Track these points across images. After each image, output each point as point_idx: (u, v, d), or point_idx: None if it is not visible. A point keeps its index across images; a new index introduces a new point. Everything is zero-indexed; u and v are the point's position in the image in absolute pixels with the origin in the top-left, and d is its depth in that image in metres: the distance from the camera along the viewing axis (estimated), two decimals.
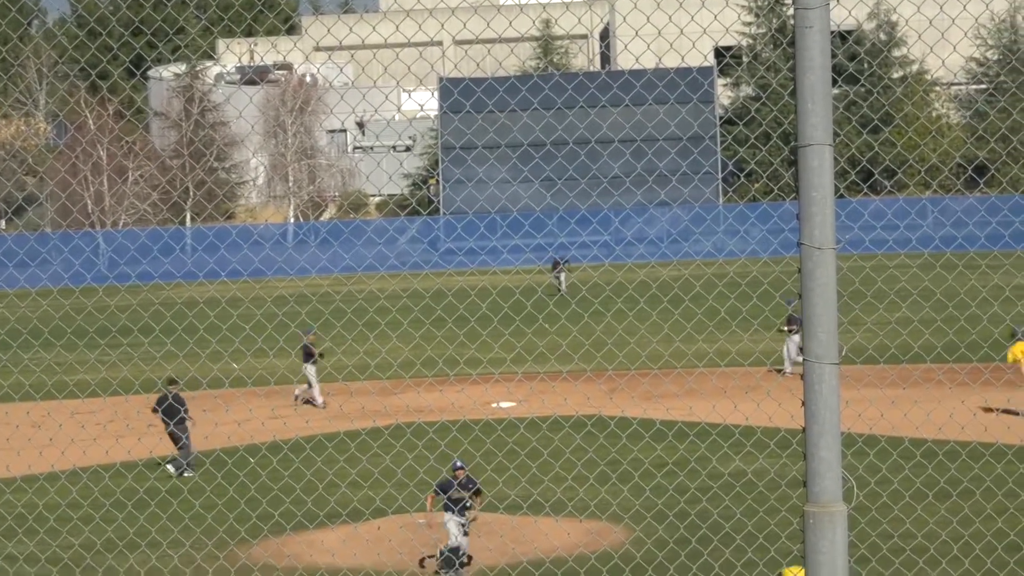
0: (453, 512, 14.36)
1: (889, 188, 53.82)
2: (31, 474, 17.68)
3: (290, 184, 62.04)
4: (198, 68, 63.92)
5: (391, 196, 64.45)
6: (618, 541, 15.36)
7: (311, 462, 18.18)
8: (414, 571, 14.47)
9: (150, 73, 65.86)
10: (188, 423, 19.48)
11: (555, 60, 70.84)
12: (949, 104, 62.15)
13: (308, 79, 62.30)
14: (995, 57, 63.78)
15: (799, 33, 4.49)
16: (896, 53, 62.36)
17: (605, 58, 73.88)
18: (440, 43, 66.39)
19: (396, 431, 20.40)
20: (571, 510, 16.26)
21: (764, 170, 56.08)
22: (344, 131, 66.39)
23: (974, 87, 62.65)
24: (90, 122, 50.97)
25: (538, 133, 53.81)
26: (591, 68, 72.97)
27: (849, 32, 57.99)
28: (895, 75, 62.75)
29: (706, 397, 21.99)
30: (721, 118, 61.05)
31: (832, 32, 4.59)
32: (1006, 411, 20.80)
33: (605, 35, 72.81)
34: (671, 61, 52.63)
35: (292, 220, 60.41)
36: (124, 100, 53.08)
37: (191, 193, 56.67)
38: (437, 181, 62.62)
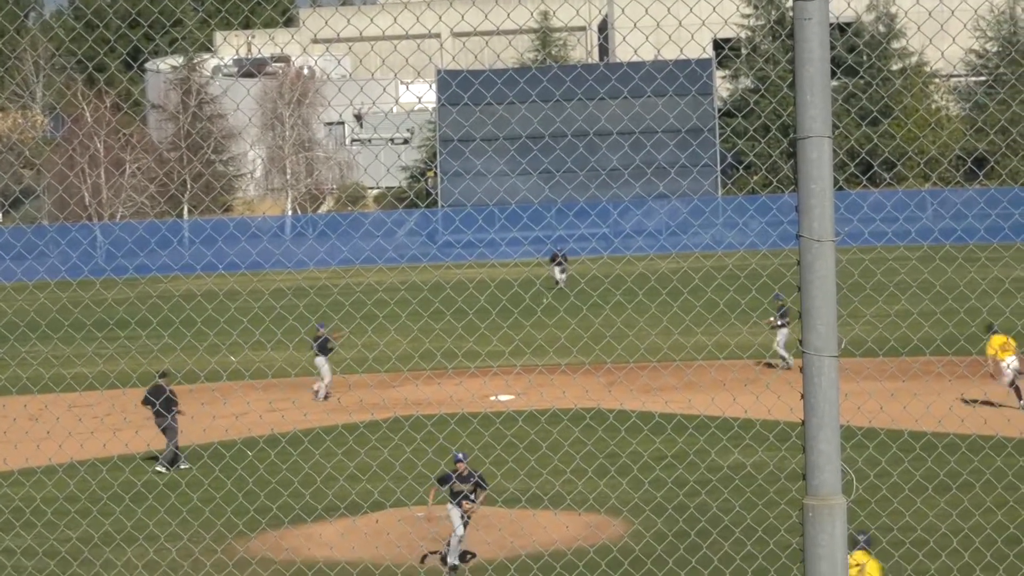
0: (455, 505, 14.31)
1: (888, 180, 53.77)
2: (28, 467, 17.64)
3: (288, 177, 61.95)
4: (195, 60, 63.78)
5: (389, 189, 64.37)
6: (617, 534, 15.34)
7: (309, 455, 18.15)
8: (413, 564, 14.43)
9: (147, 65, 65.73)
10: (173, 416, 19.36)
11: (553, 52, 70.72)
12: (948, 96, 62.07)
13: (305, 71, 62.16)
14: (994, 49, 63.68)
15: (798, 25, 4.47)
16: (895, 45, 62.26)
17: (603, 50, 73.76)
18: (438, 35, 66.27)
19: (394, 424, 20.37)
20: (570, 503, 16.23)
21: (763, 162, 56.02)
22: (342, 123, 66.27)
23: (973, 79, 62.56)
24: (87, 114, 50.85)
25: (536, 125, 53.71)
26: (589, 60, 72.85)
27: (848, 24, 57.90)
28: (894, 67, 62.66)
29: (705, 390, 21.95)
30: (720, 110, 60.96)
31: (831, 24, 4.57)
32: (985, 403, 20.93)
33: (603, 27, 72.68)
34: (669, 53, 52.54)
35: (290, 213, 60.32)
36: (121, 92, 52.93)
37: (188, 186, 56.57)
38: (435, 173, 62.53)
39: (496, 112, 54.38)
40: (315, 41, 65.92)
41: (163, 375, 19.91)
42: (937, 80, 61.50)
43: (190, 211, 57.45)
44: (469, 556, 14.55)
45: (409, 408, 22.60)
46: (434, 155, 63.16)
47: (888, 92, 57.45)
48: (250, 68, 62.48)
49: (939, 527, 13.71)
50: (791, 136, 4.76)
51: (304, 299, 27.33)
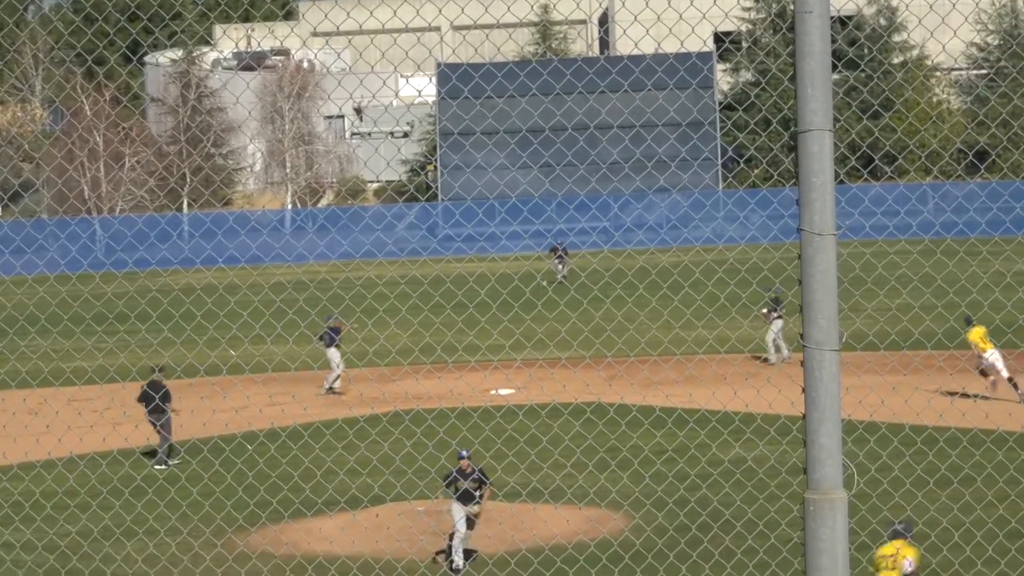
0: (458, 502, 14.21)
1: (889, 174, 53.71)
2: (28, 461, 17.61)
3: (287, 170, 61.88)
4: (195, 54, 63.68)
5: (389, 182, 64.29)
6: (617, 528, 15.31)
7: (309, 449, 18.12)
8: (413, 558, 14.40)
9: (147, 59, 65.63)
10: (168, 412, 19.31)
11: (553, 45, 70.61)
12: (950, 89, 61.98)
13: (305, 65, 62.06)
14: (996, 42, 63.59)
15: (799, 18, 4.47)
16: (896, 38, 62.15)
17: (604, 43, 73.65)
18: (438, 28, 66.20)
19: (394, 418, 20.33)
20: (570, 497, 16.20)
21: (764, 156, 55.96)
22: (342, 117, 66.18)
23: (975, 72, 62.46)
24: (86, 108, 50.80)
25: (537, 119, 53.64)
26: (590, 53, 72.76)
27: (849, 17, 57.78)
28: (895, 60, 62.55)
29: (706, 384, 21.93)
30: (720, 104, 60.88)
31: (832, 17, 4.57)
32: (963, 395, 21.04)
33: (604, 20, 72.57)
34: (670, 46, 52.42)
35: (289, 206, 60.26)
36: (121, 86, 52.88)
37: (188, 179, 56.50)
38: (435, 167, 62.46)
39: (496, 105, 54.28)
40: (315, 34, 65.84)
41: (160, 369, 19.85)
42: (938, 73, 61.40)
43: (189, 205, 57.41)
44: (473, 555, 14.46)
45: (409, 402, 22.56)
46: (434, 149, 63.09)
47: (889, 85, 57.37)
48: (249, 61, 62.40)
49: (940, 521, 13.68)
50: (792, 129, 4.75)
51: (304, 293, 27.27)
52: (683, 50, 54.63)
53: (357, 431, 18.28)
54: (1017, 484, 15.40)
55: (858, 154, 49.92)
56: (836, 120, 4.72)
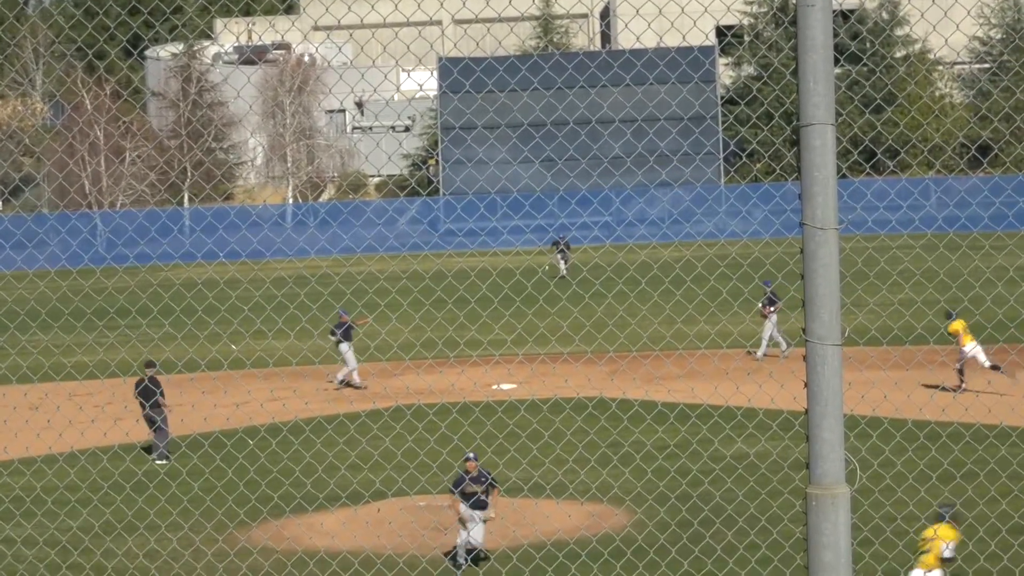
0: (467, 506, 14.05)
1: (892, 168, 53.64)
2: (29, 456, 17.59)
3: (288, 165, 61.80)
4: (196, 48, 63.60)
5: (390, 176, 64.22)
6: (620, 524, 15.28)
7: (310, 444, 18.10)
8: (415, 554, 14.37)
9: (147, 53, 65.56)
10: (164, 407, 19.25)
11: (555, 39, 70.51)
12: (952, 83, 61.86)
13: (306, 59, 61.97)
14: (998, 36, 63.45)
15: (801, 12, 4.48)
16: (899, 32, 62.03)
17: (606, 37, 73.54)
18: (439, 22, 66.07)
19: (396, 413, 20.31)
20: (572, 492, 16.17)
21: (766, 150, 55.86)
22: (343, 111, 66.10)
23: (977, 66, 62.35)
24: (87, 102, 50.71)
25: (538, 113, 53.57)
26: (591, 47, 72.64)
27: (851, 11, 57.69)
28: (898, 54, 62.45)
29: (708, 379, 21.87)
30: (723, 98, 60.79)
31: (834, 11, 4.57)
32: (944, 389, 21.17)
33: (605, 14, 72.46)
34: (672, 40, 52.35)
35: (291, 201, 60.20)
36: (121, 80, 52.81)
37: (189, 174, 56.44)
38: (436, 161, 62.39)
39: (498, 100, 54.21)
40: (316, 28, 65.73)
41: (149, 365, 19.77)
42: (941, 67, 61.28)
43: (191, 199, 57.34)
44: (482, 555, 14.31)
45: (411, 397, 22.53)
46: (435, 143, 63.02)
47: (892, 79, 57.25)
48: (251, 55, 62.30)
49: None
50: (794, 124, 4.73)
51: (305, 287, 27.27)
52: (685, 44, 54.56)
53: (359, 426, 18.25)
54: (1020, 479, 15.37)
55: (860, 148, 49.84)
56: (838, 114, 4.72)
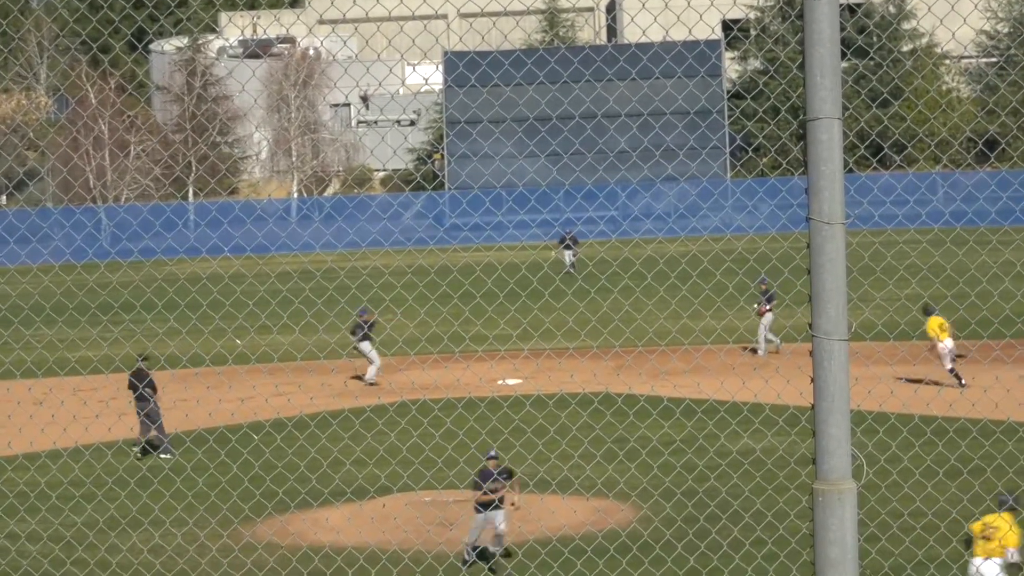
0: (485, 508, 13.90)
1: (899, 162, 53.49)
2: (33, 451, 17.57)
3: (293, 159, 61.77)
4: (200, 41, 63.55)
5: (395, 171, 64.16)
6: (625, 519, 15.23)
7: (315, 439, 18.06)
8: (420, 549, 14.33)
9: (152, 47, 65.53)
10: (155, 401, 19.18)
11: (561, 33, 70.39)
12: (959, 77, 61.65)
13: (311, 52, 61.90)
14: (1006, 30, 63.25)
15: (808, 5, 4.45)
16: (906, 26, 61.84)
17: (611, 31, 73.41)
18: (445, 16, 65.97)
19: (401, 408, 20.27)
20: (578, 488, 16.13)
21: (772, 144, 55.75)
22: (348, 105, 66.04)
23: (984, 60, 62.14)
24: (91, 96, 50.71)
25: (544, 107, 53.47)
26: (597, 41, 72.52)
27: (858, 5, 57.51)
28: (905, 48, 62.24)
29: (714, 374, 21.82)
30: (729, 92, 60.64)
31: (841, 5, 4.55)
32: (934, 383, 21.22)
33: (611, 7, 72.31)
34: (678, 34, 52.21)
35: (295, 195, 60.18)
36: (126, 74, 52.74)
37: (194, 168, 56.42)
38: (442, 155, 62.32)
39: (503, 94, 54.11)
40: (321, 22, 65.68)
41: (144, 359, 19.71)
42: (948, 61, 61.08)
43: (195, 193, 57.32)
44: (491, 553, 14.21)
45: (416, 392, 22.50)
46: (441, 137, 62.94)
47: (898, 73, 57.09)
48: (255, 49, 62.24)
49: (950, 512, 13.58)
50: (801, 118, 4.70)
51: (310, 282, 27.20)
52: (691, 38, 54.41)
53: (363, 421, 18.22)
54: None
55: (867, 143, 49.71)
56: (845, 108, 4.68)
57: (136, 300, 27.13)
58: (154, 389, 19.26)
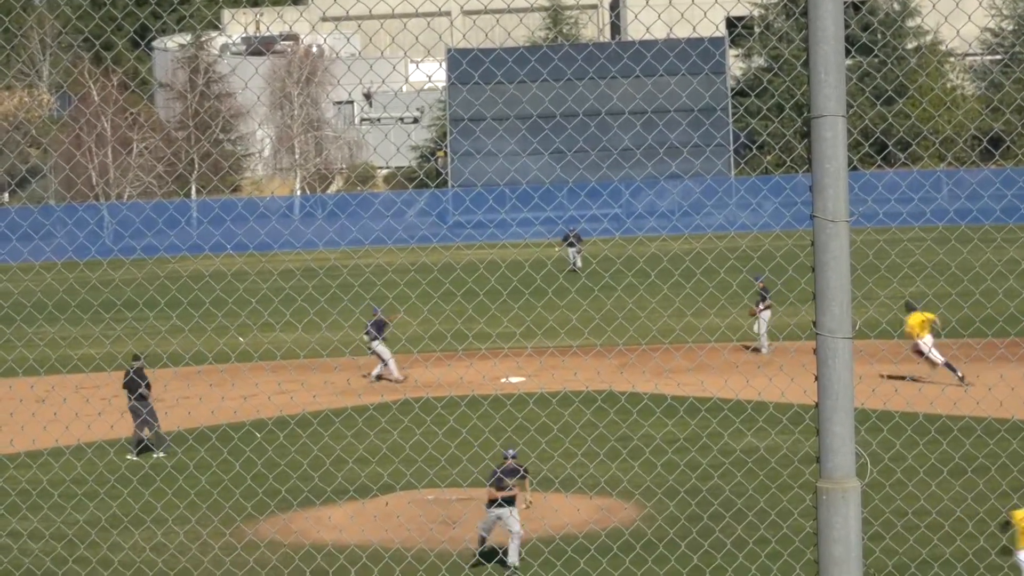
0: (504, 504, 13.82)
1: (903, 160, 53.42)
2: (35, 449, 17.55)
3: (296, 156, 61.74)
4: (203, 39, 63.51)
5: (399, 168, 64.12)
6: (629, 518, 15.20)
7: (318, 437, 18.03)
8: (423, 547, 14.30)
9: (155, 44, 65.52)
10: (149, 400, 19.13)
11: (564, 30, 70.32)
12: (964, 75, 61.55)
13: (314, 50, 61.87)
14: (1010, 27, 63.12)
15: (812, 2, 4.45)
16: (910, 23, 61.72)
17: (615, 28, 73.34)
18: (448, 13, 65.88)
19: (404, 406, 20.23)
20: (581, 486, 16.10)
21: (776, 142, 55.66)
22: (351, 102, 66.00)
23: (989, 58, 62.02)
24: (94, 93, 50.68)
25: (547, 104, 53.41)
26: (601, 38, 72.44)
27: (863, 2, 57.39)
28: (909, 46, 62.14)
29: (718, 372, 21.77)
30: (733, 89, 60.56)
31: (845, 2, 4.54)
32: (915, 379, 21.22)
33: (615, 5, 72.23)
34: (682, 31, 52.07)
35: (298, 192, 60.15)
36: (129, 71, 52.75)
37: (196, 165, 56.38)
38: (445, 153, 62.29)
39: (507, 91, 54.07)
40: (324, 19, 65.64)
41: (136, 358, 19.67)
42: (952, 59, 60.96)
43: (198, 191, 57.30)
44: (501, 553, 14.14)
45: (419, 390, 22.47)
46: (444, 134, 62.91)
47: (903, 71, 56.97)
48: (258, 46, 62.22)
49: (954, 511, 13.55)
50: (805, 115, 4.70)
51: (313, 280, 27.19)
52: (695, 35, 54.25)
53: (367, 419, 18.19)
54: None
55: (871, 140, 49.61)
56: (849, 106, 4.69)
57: (139, 297, 27.11)
58: (149, 388, 19.24)
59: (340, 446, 17.08)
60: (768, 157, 57.84)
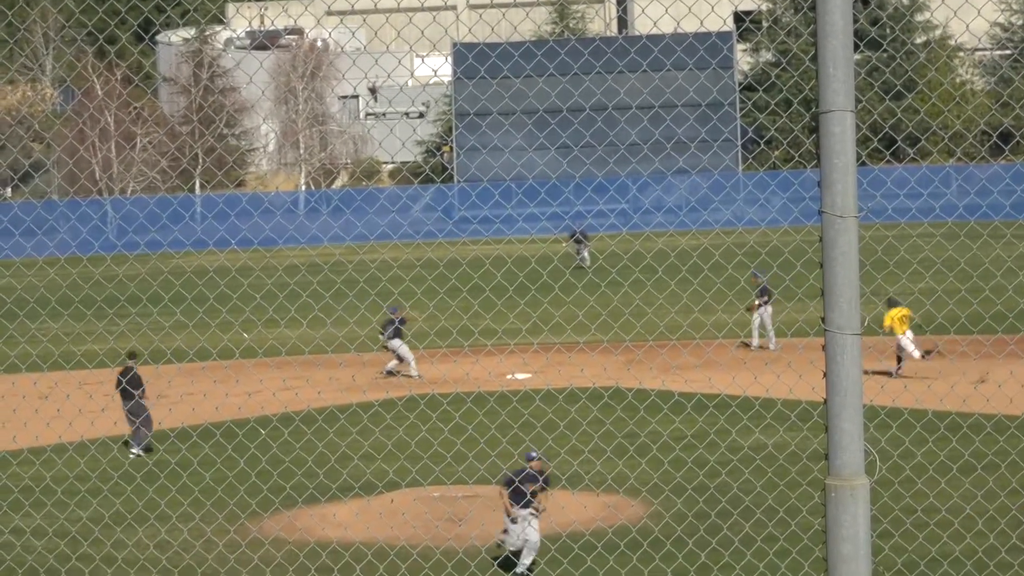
0: (521, 506, 13.64)
1: (912, 155, 53.24)
2: (38, 446, 17.48)
3: (301, 151, 61.68)
4: (207, 33, 63.46)
5: (404, 163, 64.04)
6: (636, 515, 15.10)
7: (323, 434, 17.94)
8: (428, 545, 14.21)
9: (159, 38, 65.45)
10: (143, 399, 19.01)
11: (571, 25, 70.17)
12: (973, 70, 61.32)
13: (319, 44, 61.77)
14: (1020, 22, 62.89)
15: None
16: (919, 18, 61.49)
17: (622, 22, 73.16)
18: (454, 7, 65.81)
19: (409, 403, 20.16)
20: (588, 483, 16.00)
21: (785, 137, 55.49)
22: (356, 97, 65.90)
23: (998, 52, 61.79)
24: (97, 87, 50.63)
25: (554, 99, 53.25)
26: (608, 33, 72.26)
27: None
28: (918, 40, 61.92)
29: (725, 368, 21.66)
30: (741, 84, 60.39)
31: None
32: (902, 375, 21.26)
33: None
34: (690, 26, 51.92)
35: (303, 188, 60.10)
36: (132, 65, 52.73)
37: (201, 160, 56.37)
38: (451, 148, 62.19)
39: (513, 85, 53.95)
40: (329, 13, 65.51)
41: (131, 356, 19.57)
42: (962, 54, 60.74)
43: (202, 186, 57.29)
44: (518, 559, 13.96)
45: (424, 386, 22.38)
46: (450, 129, 62.81)
47: (912, 66, 56.79)
48: (263, 40, 62.10)
49: (964, 508, 13.44)
50: (813, 110, 4.65)
51: (318, 275, 27.13)
52: (703, 30, 54.16)
53: (372, 416, 18.09)
54: None
55: (880, 135, 49.45)
56: (858, 101, 4.62)
57: (142, 293, 27.12)
58: (139, 386, 19.11)
59: (345, 443, 16.99)
60: (776, 152, 57.68)
